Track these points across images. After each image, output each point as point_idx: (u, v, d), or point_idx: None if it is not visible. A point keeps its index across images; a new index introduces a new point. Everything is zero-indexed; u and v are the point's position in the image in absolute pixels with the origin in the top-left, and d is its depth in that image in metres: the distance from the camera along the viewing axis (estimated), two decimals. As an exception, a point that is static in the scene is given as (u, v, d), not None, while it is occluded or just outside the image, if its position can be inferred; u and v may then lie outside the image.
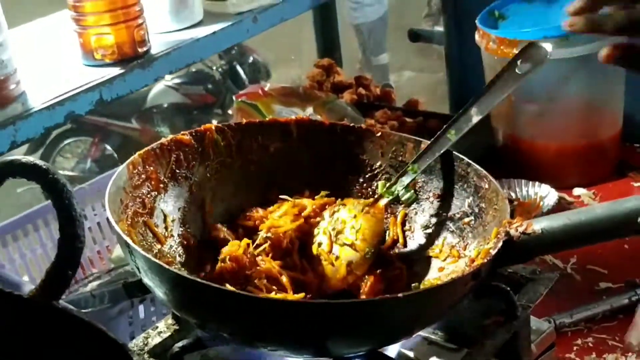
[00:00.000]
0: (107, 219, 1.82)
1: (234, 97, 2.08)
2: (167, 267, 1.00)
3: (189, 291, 0.99)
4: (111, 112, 5.21)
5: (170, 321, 1.27)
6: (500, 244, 1.07)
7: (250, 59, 5.40)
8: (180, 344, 1.14)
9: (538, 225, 1.08)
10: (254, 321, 0.97)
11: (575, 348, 1.49)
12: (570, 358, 1.47)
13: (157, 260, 1.01)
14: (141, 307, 1.63)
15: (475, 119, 1.27)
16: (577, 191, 1.94)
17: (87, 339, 0.88)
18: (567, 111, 1.93)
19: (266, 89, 2.03)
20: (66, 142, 5.41)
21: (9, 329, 0.91)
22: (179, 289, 1.00)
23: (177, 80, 5.28)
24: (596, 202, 1.92)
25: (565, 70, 1.86)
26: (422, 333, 1.34)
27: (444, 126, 1.28)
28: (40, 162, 0.94)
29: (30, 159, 0.95)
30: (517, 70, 1.26)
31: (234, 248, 1.18)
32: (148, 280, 1.04)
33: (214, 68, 5.37)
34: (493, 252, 1.06)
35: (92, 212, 1.88)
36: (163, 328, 1.26)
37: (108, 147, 5.32)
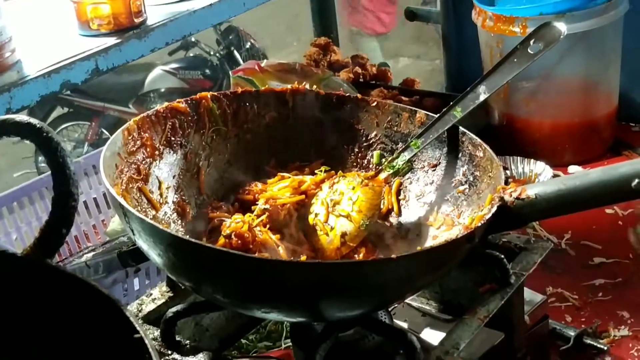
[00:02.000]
0: (103, 193, 1.84)
1: (230, 73, 2.08)
2: (160, 227, 1.00)
3: (183, 252, 0.99)
4: (108, 96, 5.20)
5: (164, 288, 1.27)
6: (494, 209, 1.07)
7: (248, 45, 5.39)
8: (174, 309, 1.14)
9: (532, 191, 1.08)
10: (247, 282, 0.97)
11: (569, 319, 1.50)
12: (563, 331, 1.48)
13: (150, 221, 1.01)
14: (136, 280, 1.63)
15: (483, 97, 1.26)
16: (572, 169, 1.94)
17: (80, 296, 0.87)
18: (562, 89, 1.93)
19: (263, 65, 2.03)
20: (63, 126, 5.40)
21: (3, 287, 0.91)
22: (173, 250, 0.99)
23: (175, 65, 5.27)
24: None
25: (561, 47, 1.85)
26: (415, 304, 1.35)
27: (451, 103, 1.28)
28: (34, 121, 0.94)
29: (24, 117, 0.94)
30: (529, 50, 1.26)
31: (238, 225, 1.18)
32: (142, 242, 1.04)
33: (212, 53, 5.36)
34: (487, 216, 1.06)
35: (88, 187, 1.88)
36: (157, 295, 1.26)
37: (105, 131, 5.31)
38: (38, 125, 0.93)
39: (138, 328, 0.81)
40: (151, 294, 1.27)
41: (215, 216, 1.24)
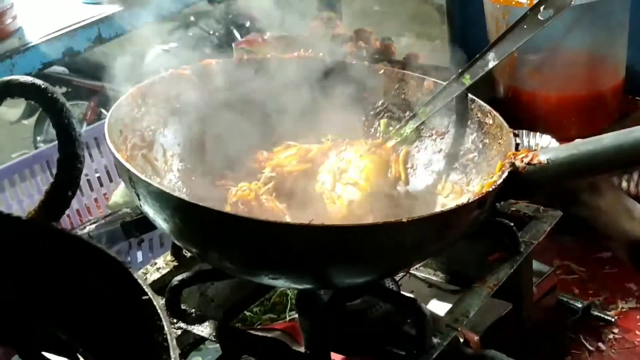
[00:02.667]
0: (105, 166, 1.83)
1: (233, 45, 2.05)
2: (166, 190, 0.98)
3: (189, 216, 0.97)
4: (107, 76, 5.16)
5: (169, 257, 1.26)
6: (505, 174, 1.05)
7: (248, 24, 5.35)
8: (179, 277, 1.12)
9: (544, 156, 1.06)
10: (255, 246, 0.95)
11: (576, 291, 1.49)
12: (571, 302, 1.46)
13: (156, 185, 0.99)
14: (139, 253, 1.62)
15: (492, 64, 1.24)
16: (578, 143, 1.92)
17: (86, 259, 0.86)
18: (568, 61, 1.90)
19: (266, 37, 2.01)
20: (61, 106, 5.37)
21: (8, 250, 0.90)
22: (179, 215, 0.97)
23: (174, 45, 5.22)
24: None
25: (567, 19, 1.83)
26: (422, 275, 1.34)
27: (459, 70, 1.26)
28: (39, 81, 0.92)
29: (29, 78, 0.93)
30: (539, 16, 1.23)
31: (245, 193, 1.17)
32: (148, 207, 1.02)
33: (211, 32, 5.32)
34: (498, 182, 1.04)
35: (90, 159, 1.86)
36: (162, 264, 1.25)
37: (104, 111, 5.28)
38: (43, 86, 0.91)
39: (146, 289, 0.79)
40: (155, 263, 1.25)
41: (221, 184, 1.22)
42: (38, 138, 5.20)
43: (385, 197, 1.25)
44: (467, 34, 2.34)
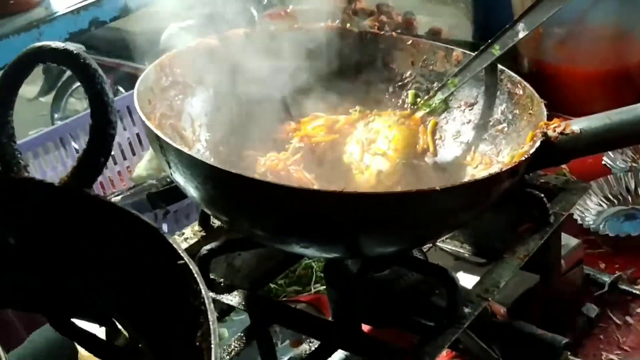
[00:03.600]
0: (128, 139, 1.82)
1: (255, 18, 2.04)
2: (198, 157, 0.98)
3: (222, 183, 0.97)
4: (123, 53, 5.15)
5: (196, 228, 1.26)
6: (537, 144, 1.05)
7: (265, 2, 5.33)
8: (208, 246, 1.12)
9: (577, 126, 1.06)
10: (287, 213, 0.95)
11: (602, 266, 1.48)
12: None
13: (189, 152, 0.98)
14: (165, 225, 1.62)
15: (522, 34, 1.23)
16: (603, 118, 1.91)
17: (120, 224, 0.86)
18: (594, 35, 1.89)
19: (289, 10, 1.99)
20: (78, 83, 5.37)
21: (41, 217, 0.89)
22: (212, 182, 0.97)
23: (191, 22, 5.21)
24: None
25: (594, -8, 1.82)
26: (448, 247, 1.33)
27: (489, 41, 1.24)
28: (71, 47, 0.92)
29: (61, 44, 0.92)
30: None
31: (274, 163, 1.16)
32: (179, 175, 1.01)
33: (228, 10, 5.30)
34: (531, 151, 1.03)
35: (112, 132, 1.85)
36: (189, 234, 1.25)
37: (121, 89, 5.27)
38: (75, 52, 0.90)
39: (182, 254, 0.79)
40: (183, 234, 1.25)
41: (249, 154, 1.22)
42: (55, 115, 5.20)
43: (414, 168, 1.24)
44: (493, 5, 2.31)
